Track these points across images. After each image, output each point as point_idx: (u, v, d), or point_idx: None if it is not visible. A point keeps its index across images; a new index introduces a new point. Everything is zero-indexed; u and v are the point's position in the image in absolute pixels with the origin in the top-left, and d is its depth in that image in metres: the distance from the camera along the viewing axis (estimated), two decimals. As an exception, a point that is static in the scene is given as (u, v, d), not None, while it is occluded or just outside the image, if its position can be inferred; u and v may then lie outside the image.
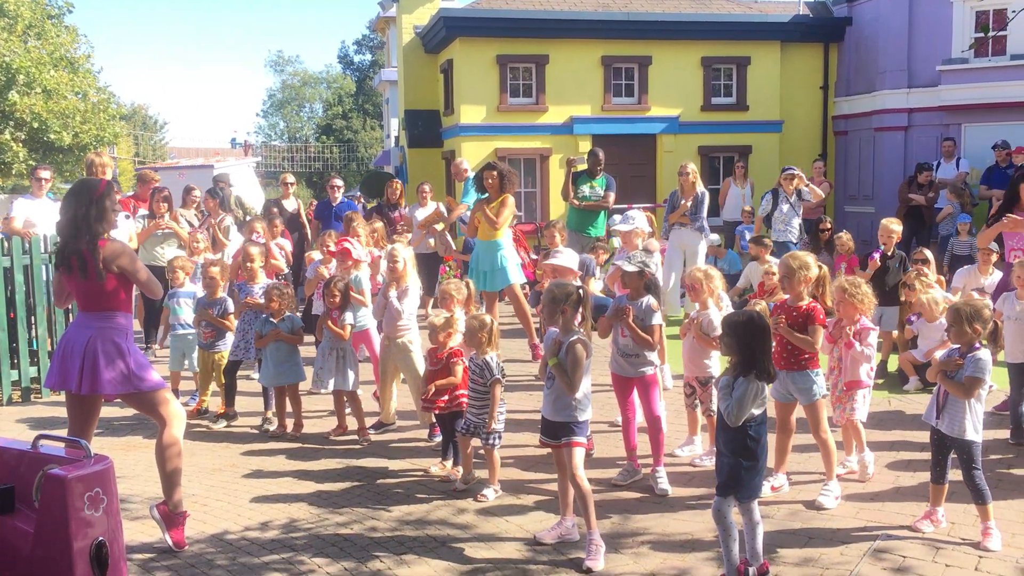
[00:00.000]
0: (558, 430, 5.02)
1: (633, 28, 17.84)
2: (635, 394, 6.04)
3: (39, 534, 3.21)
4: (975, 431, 4.91)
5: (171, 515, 5.06)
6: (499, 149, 17.50)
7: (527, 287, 10.41)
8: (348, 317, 7.31)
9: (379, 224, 10.86)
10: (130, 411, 6.50)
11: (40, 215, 9.60)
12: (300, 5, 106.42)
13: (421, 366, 6.88)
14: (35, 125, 25.39)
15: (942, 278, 8.91)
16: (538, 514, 5.51)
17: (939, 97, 16.65)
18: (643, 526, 5.30)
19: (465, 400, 6.14)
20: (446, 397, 6.21)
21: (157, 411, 5.01)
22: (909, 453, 6.46)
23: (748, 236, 12.29)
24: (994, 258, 8.79)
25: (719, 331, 5.99)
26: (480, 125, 17.67)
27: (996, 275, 8.38)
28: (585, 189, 11.40)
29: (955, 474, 5.07)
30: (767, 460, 4.58)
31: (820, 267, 5.72)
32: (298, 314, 8.05)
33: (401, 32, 20.67)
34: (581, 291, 5.17)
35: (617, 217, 9.23)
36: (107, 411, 6.05)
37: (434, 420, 6.72)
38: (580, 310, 5.10)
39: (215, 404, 7.96)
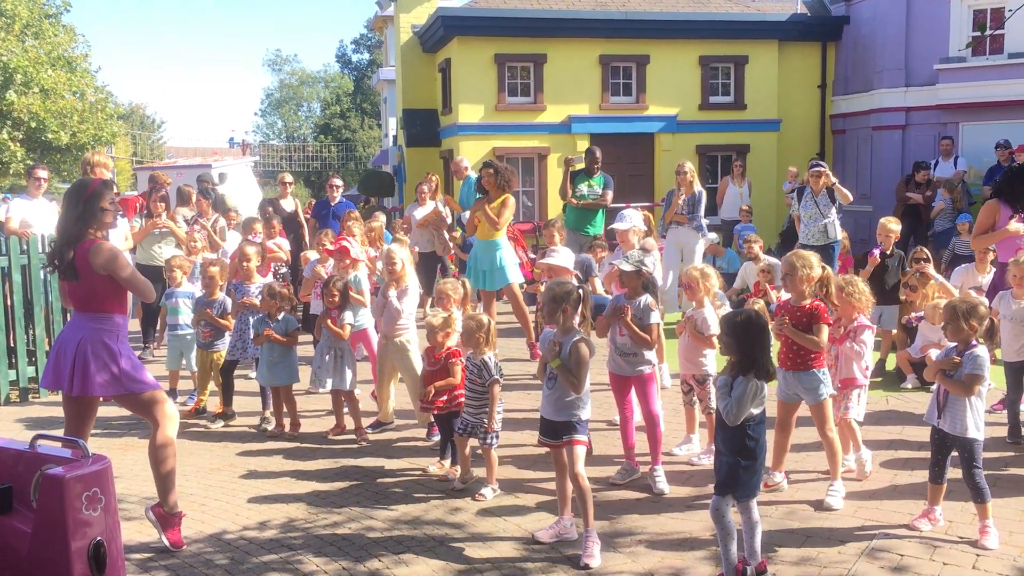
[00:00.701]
0: (559, 429, 5.03)
1: (631, 27, 17.85)
2: (633, 393, 6.05)
3: (37, 534, 3.21)
4: (977, 429, 4.91)
5: (167, 516, 5.05)
6: (497, 148, 17.50)
7: (525, 286, 10.42)
8: (347, 317, 7.31)
9: (376, 224, 10.86)
10: (128, 411, 6.47)
11: (36, 215, 9.60)
12: (298, 4, 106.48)
13: (419, 365, 6.88)
14: (33, 125, 25.38)
15: (944, 281, 8.90)
16: (536, 513, 5.52)
17: (937, 96, 16.67)
18: (641, 525, 5.31)
19: (463, 400, 6.14)
20: (445, 397, 6.21)
21: (150, 412, 5.00)
22: (907, 451, 6.47)
23: (745, 235, 12.29)
24: (991, 256, 8.80)
25: (714, 330, 6.00)
26: (478, 124, 17.68)
27: (993, 273, 8.39)
28: (583, 188, 11.40)
29: (953, 472, 5.08)
30: (766, 459, 4.58)
31: (823, 267, 5.71)
32: (297, 314, 8.04)
33: (399, 31, 20.67)
34: (581, 290, 5.18)
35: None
36: (104, 411, 6.04)
37: (432, 420, 6.72)
38: (580, 309, 5.11)
39: (213, 404, 7.96)
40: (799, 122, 19.15)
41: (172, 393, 8.22)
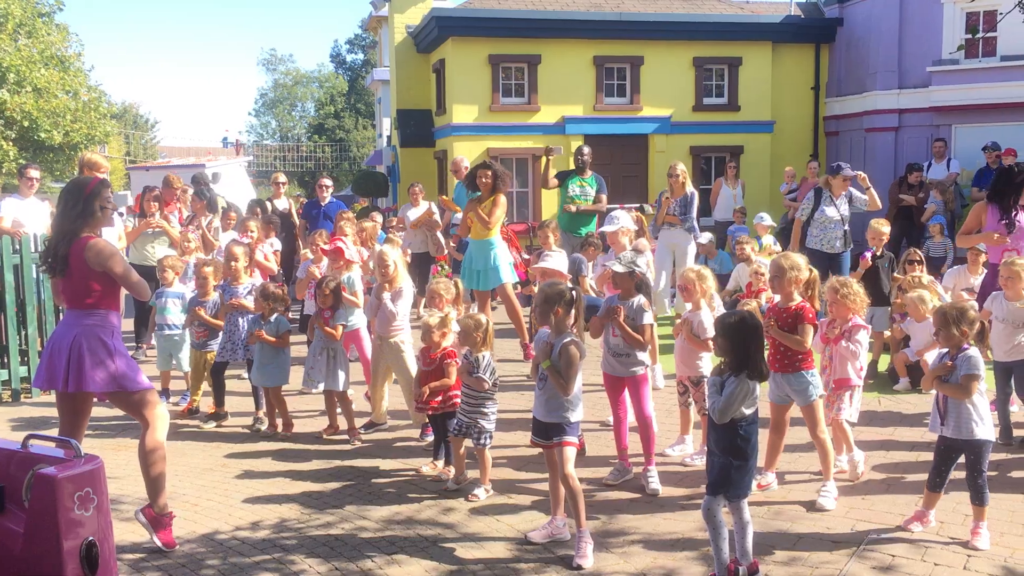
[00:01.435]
0: (550, 430, 5.04)
1: (625, 28, 17.88)
2: (626, 394, 6.06)
3: (29, 534, 3.20)
4: (984, 429, 4.91)
5: (157, 517, 5.04)
6: (491, 149, 17.51)
7: (519, 287, 10.42)
8: (341, 317, 7.31)
9: (368, 224, 10.86)
10: (120, 411, 6.46)
11: (29, 214, 9.57)
12: (293, 4, 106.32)
13: (413, 366, 6.88)
14: (25, 124, 25.33)
15: (932, 279, 8.94)
16: (529, 513, 5.52)
17: (929, 98, 16.73)
18: (633, 525, 5.32)
19: (459, 400, 6.15)
20: (439, 398, 6.21)
21: (142, 412, 4.99)
22: (899, 453, 6.49)
23: (738, 237, 12.33)
24: (983, 258, 8.84)
25: (710, 332, 6.01)
26: (472, 125, 17.68)
27: (985, 274, 8.43)
28: (575, 188, 11.40)
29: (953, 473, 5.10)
30: (758, 459, 4.60)
31: (811, 270, 5.74)
32: (290, 315, 8.02)
33: (393, 32, 20.67)
34: (574, 292, 5.19)
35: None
36: (97, 411, 6.03)
37: (427, 420, 6.73)
38: (573, 311, 5.12)
39: (206, 404, 7.95)
40: (792, 124, 19.20)
41: (164, 393, 8.22)
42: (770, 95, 18.81)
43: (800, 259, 5.77)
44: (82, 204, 4.89)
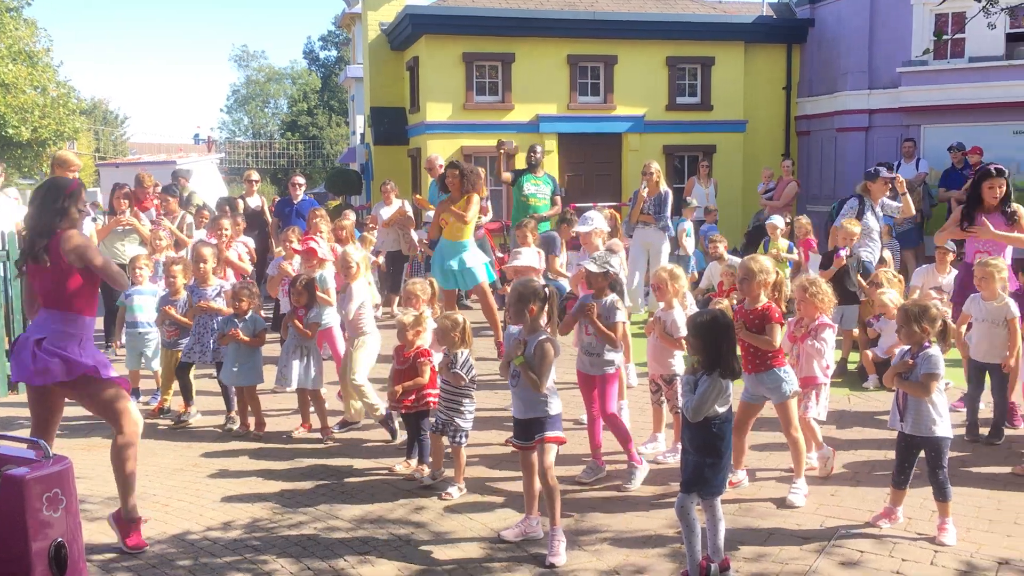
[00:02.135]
0: (531, 428, 5.04)
1: (599, 27, 17.93)
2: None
3: (-4, 536, 3.18)
4: (943, 427, 4.99)
5: (126, 522, 4.99)
6: (465, 147, 17.51)
7: (500, 287, 10.42)
8: (314, 315, 7.29)
9: (346, 222, 10.81)
10: (90, 412, 6.39)
11: (-6, 211, 9.46)
12: (265, 1, 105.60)
13: (363, 369, 7.02)
14: (-7, 119, 25.00)
15: (901, 277, 9.04)
16: (503, 512, 5.53)
17: (899, 98, 16.92)
18: (606, 523, 5.34)
19: (432, 399, 6.15)
20: (412, 396, 6.21)
21: (113, 411, 4.92)
22: (868, 450, 6.57)
23: (711, 236, 12.41)
24: (950, 257, 8.96)
25: (683, 331, 6.06)
26: (446, 123, 17.67)
27: (953, 273, 8.54)
28: (530, 187, 11.43)
29: (913, 470, 5.16)
30: (731, 458, 4.64)
31: (778, 272, 5.81)
32: (262, 313, 7.98)
33: (367, 29, 20.59)
34: (547, 289, 5.21)
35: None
36: (67, 411, 5.97)
37: (384, 414, 6.85)
38: (546, 309, 5.13)
39: (177, 403, 7.89)
40: (765, 123, 19.34)
41: (134, 393, 8.14)
42: (743, 95, 18.94)
43: (769, 262, 5.84)
44: (62, 202, 4.87)
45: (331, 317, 7.75)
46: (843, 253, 8.88)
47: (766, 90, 19.32)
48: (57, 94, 28.38)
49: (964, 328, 6.97)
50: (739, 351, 5.01)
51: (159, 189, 12.21)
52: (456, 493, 5.80)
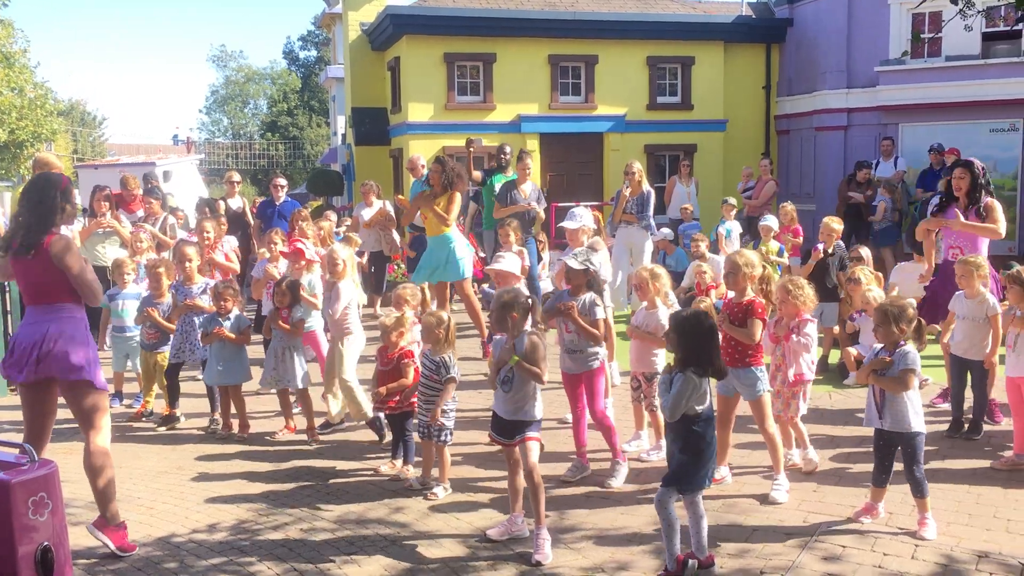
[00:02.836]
0: (514, 429, 5.07)
1: (579, 27, 17.96)
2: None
3: (-18, 540, 3.17)
4: (917, 423, 5.07)
5: (110, 526, 4.98)
6: (447, 147, 17.47)
7: (476, 284, 10.44)
8: (298, 313, 7.30)
9: (326, 223, 10.81)
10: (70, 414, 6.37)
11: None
12: (244, 0, 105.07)
13: (351, 369, 7.03)
14: (-30, 121, 24.77)
15: (879, 274, 9.12)
16: (488, 511, 5.56)
17: (877, 97, 17.05)
18: (590, 521, 5.38)
19: (415, 400, 6.16)
20: (397, 397, 6.21)
21: (93, 415, 4.91)
22: (849, 447, 6.63)
23: (692, 235, 12.48)
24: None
25: (667, 328, 6.10)
26: (428, 123, 17.65)
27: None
28: (499, 186, 11.45)
29: (894, 466, 5.22)
30: (715, 455, 4.68)
31: (764, 266, 5.86)
32: (245, 314, 7.96)
33: (347, 29, 20.54)
34: (530, 300, 5.25)
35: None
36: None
37: (369, 415, 6.86)
38: (529, 317, 5.17)
39: (160, 406, 7.86)
40: (745, 122, 19.44)
41: (117, 396, 8.11)
42: (723, 94, 19.03)
43: (755, 256, 5.90)
44: (59, 198, 4.86)
45: (315, 320, 7.74)
46: (821, 246, 8.96)
47: (746, 89, 19.41)
48: (35, 95, 28.17)
49: (950, 328, 7.02)
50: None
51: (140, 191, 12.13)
52: (441, 493, 5.82)
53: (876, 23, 17.15)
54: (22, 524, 3.18)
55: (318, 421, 7.35)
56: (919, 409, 5.10)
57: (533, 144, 17.73)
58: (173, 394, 7.69)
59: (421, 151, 16.55)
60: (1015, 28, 15.26)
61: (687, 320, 4.64)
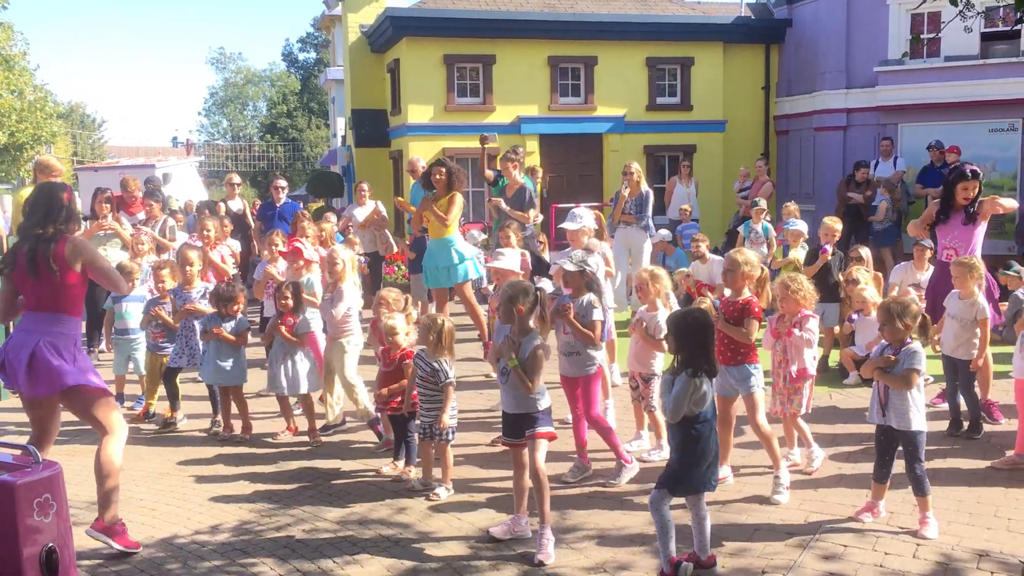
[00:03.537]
0: (522, 423, 5.07)
1: (579, 29, 17.99)
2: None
3: (-12, 541, 3.18)
4: (920, 421, 5.08)
5: (110, 527, 4.99)
6: (447, 149, 17.50)
7: (485, 287, 10.42)
8: (303, 326, 7.33)
9: (327, 225, 10.81)
10: (75, 417, 6.40)
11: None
12: (242, 2, 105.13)
13: (353, 368, 7.06)
14: (-31, 124, 24.77)
15: (879, 274, 9.14)
16: (490, 512, 5.56)
17: (876, 97, 17.06)
18: (591, 521, 5.39)
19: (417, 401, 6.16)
20: (399, 398, 6.22)
21: (102, 417, 4.93)
22: (850, 445, 6.64)
23: (691, 235, 12.48)
24: (928, 254, 9.05)
25: (665, 331, 6.11)
26: (427, 125, 17.68)
27: (931, 270, 8.62)
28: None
29: (896, 465, 5.24)
30: (716, 456, 4.68)
31: (762, 268, 5.87)
32: (251, 318, 7.97)
33: (347, 31, 20.57)
34: (539, 292, 5.23)
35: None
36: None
37: (375, 416, 6.85)
38: (536, 309, 5.16)
39: (162, 408, 7.87)
40: (744, 123, 19.47)
41: (119, 398, 8.12)
42: (722, 95, 19.05)
43: (754, 256, 5.91)
44: (66, 209, 4.90)
45: (314, 322, 7.75)
46: (828, 247, 8.97)
47: (745, 90, 19.44)
48: (34, 98, 28.17)
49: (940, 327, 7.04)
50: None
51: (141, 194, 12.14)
52: (444, 493, 5.83)
53: (875, 23, 17.17)
54: (27, 525, 3.19)
55: (318, 423, 7.36)
56: (921, 407, 5.11)
57: (533, 145, 17.76)
58: (174, 397, 7.71)
59: (421, 153, 16.57)
60: (1014, 28, 15.27)
61: (686, 321, 4.65)
